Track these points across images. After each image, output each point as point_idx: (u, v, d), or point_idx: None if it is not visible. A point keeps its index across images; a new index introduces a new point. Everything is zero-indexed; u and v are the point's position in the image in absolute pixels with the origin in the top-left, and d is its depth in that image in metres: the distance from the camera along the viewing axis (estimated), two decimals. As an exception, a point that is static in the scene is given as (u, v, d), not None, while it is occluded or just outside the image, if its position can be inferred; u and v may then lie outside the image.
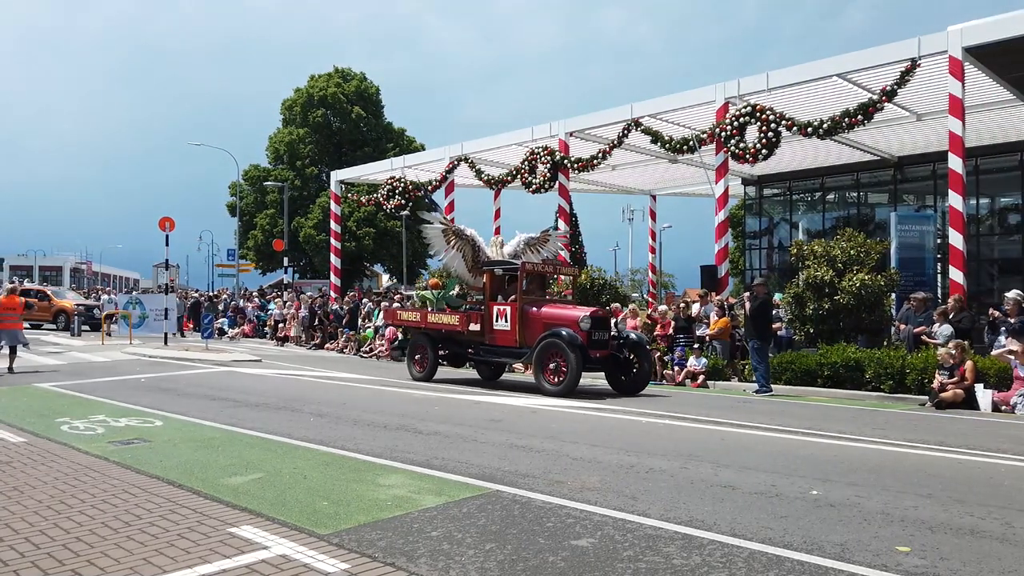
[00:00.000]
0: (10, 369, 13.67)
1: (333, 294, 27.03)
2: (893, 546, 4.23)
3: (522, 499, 5.20)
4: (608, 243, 61.32)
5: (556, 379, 11.76)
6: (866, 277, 13.56)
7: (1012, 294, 12.21)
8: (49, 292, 29.19)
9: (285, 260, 39.69)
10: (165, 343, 21.88)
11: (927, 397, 11.43)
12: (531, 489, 5.47)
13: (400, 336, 20.63)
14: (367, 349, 21.25)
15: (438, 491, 5.39)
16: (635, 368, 12.48)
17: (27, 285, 33.71)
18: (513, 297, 12.91)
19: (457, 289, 14.67)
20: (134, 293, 30.04)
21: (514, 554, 4.02)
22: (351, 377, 14.57)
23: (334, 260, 28.46)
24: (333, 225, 28.91)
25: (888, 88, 14.20)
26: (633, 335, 12.87)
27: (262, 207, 45.08)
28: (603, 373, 12.82)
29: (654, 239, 31.72)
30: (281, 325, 26.02)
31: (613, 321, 13.41)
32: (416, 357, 14.36)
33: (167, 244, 23.46)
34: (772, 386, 12.72)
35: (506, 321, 12.80)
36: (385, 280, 50.90)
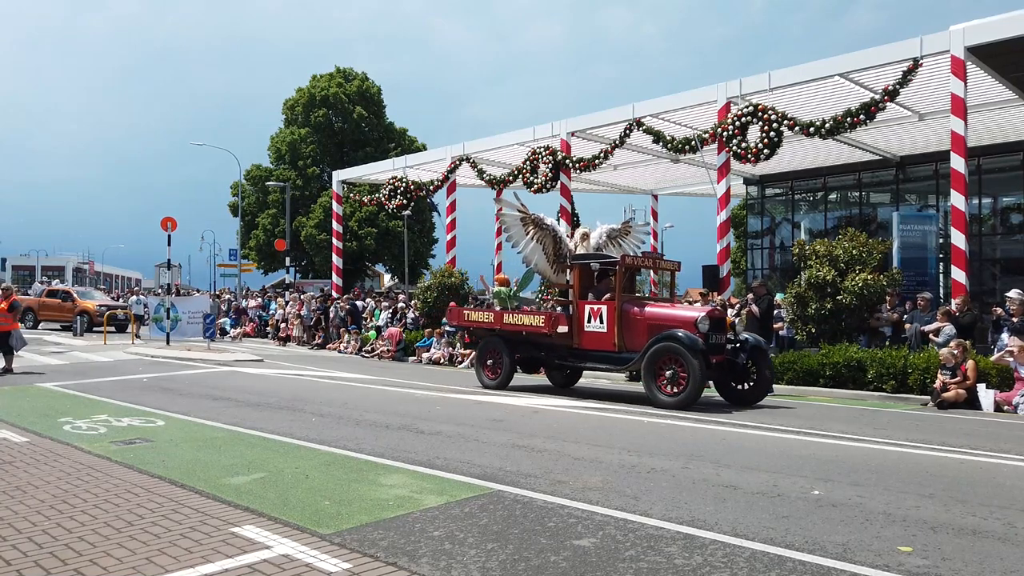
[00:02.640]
0: (9, 369, 13.65)
1: (335, 294, 27.03)
2: (895, 546, 4.23)
3: (524, 499, 5.20)
4: (610, 243, 61.10)
5: (673, 389, 10.40)
6: (868, 277, 13.55)
7: (1015, 293, 12.21)
8: (74, 293, 29.05)
9: (287, 260, 39.74)
10: (167, 343, 21.90)
11: (929, 397, 11.43)
12: (533, 489, 5.48)
13: (404, 337, 20.68)
14: (369, 349, 21.26)
15: (440, 491, 5.39)
16: (754, 375, 11.16)
17: (56, 285, 33.50)
18: (608, 295, 11.65)
19: (529, 289, 13.64)
20: (167, 296, 28.95)
21: (516, 554, 4.02)
22: (353, 377, 14.58)
23: (336, 260, 28.47)
24: (335, 225, 28.94)
25: (890, 88, 14.19)
26: (751, 338, 11.38)
27: (264, 207, 45.10)
28: (710, 381, 11.42)
29: (656, 239, 31.66)
30: (283, 325, 26.04)
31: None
32: (488, 362, 12.96)
33: (169, 244, 23.50)
34: (774, 386, 12.71)
35: (601, 322, 11.53)
36: (387, 280, 50.91)
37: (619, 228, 13.71)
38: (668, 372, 10.46)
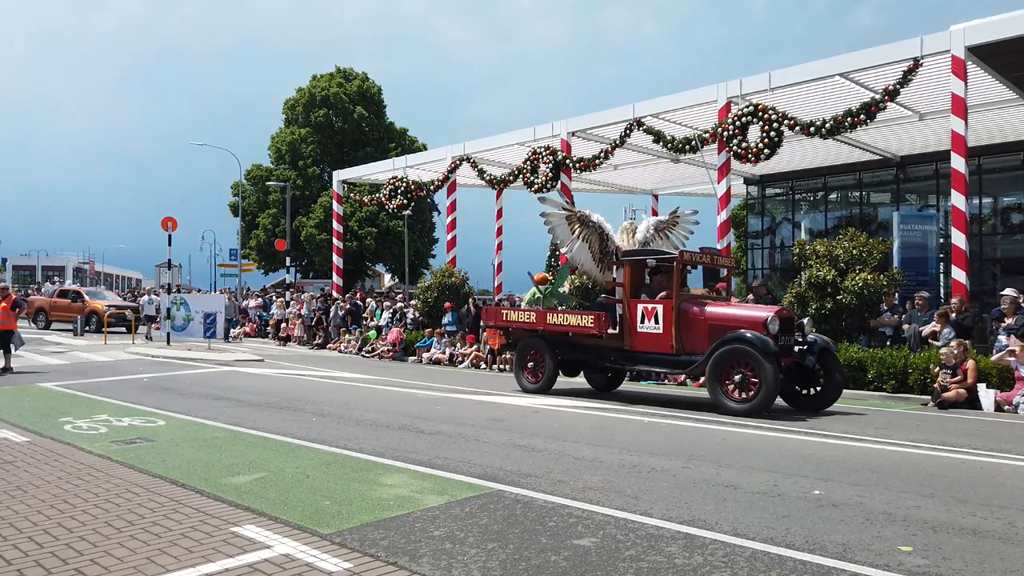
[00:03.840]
0: (9, 368, 13.65)
1: (335, 294, 27.04)
2: (895, 546, 4.23)
3: (524, 499, 5.20)
4: (610, 243, 61.13)
5: (742, 395, 9.75)
6: (868, 277, 13.55)
7: (1009, 292, 12.21)
8: (84, 293, 29.01)
9: (287, 260, 39.72)
10: (168, 343, 21.90)
11: (930, 397, 11.42)
12: (533, 489, 5.48)
13: (404, 337, 20.68)
14: (369, 349, 21.26)
15: (440, 491, 5.39)
16: (821, 380, 10.52)
17: (67, 286, 33.40)
18: (664, 294, 11.00)
19: (567, 286, 13.06)
20: (178, 294, 27.14)
21: (516, 553, 4.02)
22: (353, 377, 14.58)
23: (336, 260, 28.47)
24: (335, 225, 28.94)
25: (891, 88, 14.19)
26: (819, 339, 10.68)
27: (264, 207, 45.10)
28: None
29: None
30: (283, 325, 26.04)
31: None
32: (528, 365, 12.30)
33: (170, 244, 23.50)
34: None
35: (656, 322, 10.81)
36: (387, 280, 50.91)
37: (667, 220, 12.97)
38: (737, 376, 9.79)
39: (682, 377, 14.08)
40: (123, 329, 26.44)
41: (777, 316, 10.12)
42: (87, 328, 26.20)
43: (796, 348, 10.38)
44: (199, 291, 38.18)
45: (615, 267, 11.76)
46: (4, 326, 13.81)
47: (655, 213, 30.11)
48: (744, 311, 10.75)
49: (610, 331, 11.31)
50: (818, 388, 10.54)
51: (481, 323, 18.70)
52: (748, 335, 9.81)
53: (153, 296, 27.38)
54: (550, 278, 13.17)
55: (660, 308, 10.86)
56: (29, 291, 40.50)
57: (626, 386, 13.44)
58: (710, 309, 10.73)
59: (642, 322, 11.01)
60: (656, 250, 11.79)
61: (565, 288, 12.85)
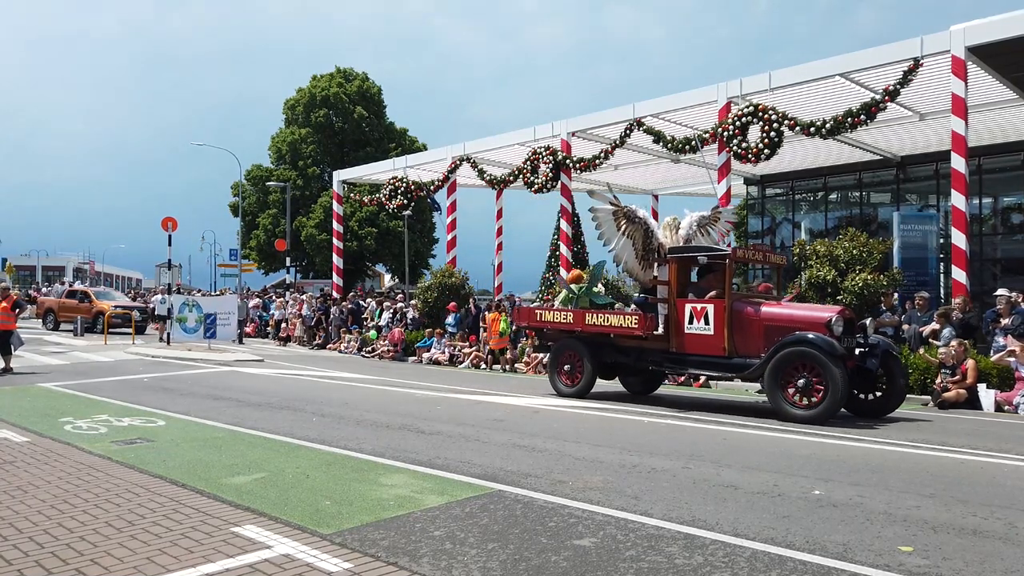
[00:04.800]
0: (9, 368, 13.65)
1: (335, 294, 27.04)
2: (896, 546, 4.23)
3: (524, 499, 5.20)
4: (610, 243, 61.16)
5: (805, 400, 9.22)
6: (868, 277, 13.54)
7: (1003, 292, 12.21)
8: (91, 294, 29.00)
9: (287, 260, 39.72)
10: (168, 343, 21.89)
11: (930, 397, 11.42)
12: (533, 489, 5.48)
13: (405, 337, 20.68)
14: (369, 349, 21.27)
15: (441, 491, 5.39)
16: (883, 384, 9.97)
17: (77, 287, 33.35)
18: (713, 293, 10.49)
19: (601, 286, 12.66)
20: (191, 295, 26.68)
21: (516, 554, 4.02)
22: (354, 377, 14.58)
23: (336, 260, 28.48)
24: (335, 225, 28.95)
25: (891, 88, 14.19)
26: (882, 341, 10.19)
27: (264, 207, 45.11)
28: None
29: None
30: (284, 325, 26.04)
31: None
32: (565, 368, 11.81)
33: (170, 244, 23.56)
34: None
35: (706, 323, 10.27)
36: (387, 280, 50.92)
37: (708, 215, 12.41)
38: (799, 381, 9.22)
39: (682, 378, 14.09)
40: (129, 330, 26.37)
41: (841, 317, 9.58)
42: (93, 328, 26.17)
43: (857, 350, 9.81)
44: (200, 292, 38.08)
45: (658, 264, 11.19)
46: (4, 326, 13.80)
47: (655, 214, 30.14)
48: (804, 311, 10.18)
49: (655, 332, 10.78)
50: (879, 393, 9.98)
51: (481, 324, 18.73)
52: (812, 337, 9.25)
53: (166, 296, 26.82)
54: (585, 276, 12.73)
55: (711, 308, 10.28)
56: (33, 291, 40.50)
57: (663, 390, 13.06)
58: (766, 309, 10.14)
59: (690, 323, 10.47)
60: (706, 246, 11.31)
61: (599, 288, 12.46)
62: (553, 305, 13.15)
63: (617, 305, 13.45)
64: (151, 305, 28.28)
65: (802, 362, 9.27)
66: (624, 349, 11.31)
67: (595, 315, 11.52)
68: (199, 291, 43.60)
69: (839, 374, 8.94)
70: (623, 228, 11.02)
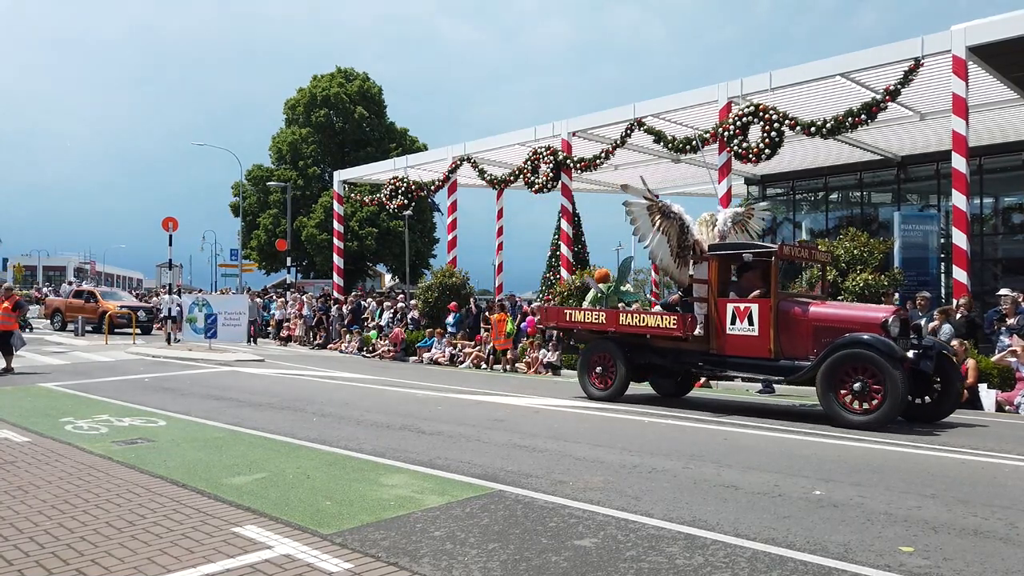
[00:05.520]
0: (10, 368, 13.66)
1: (336, 294, 27.05)
2: (896, 546, 4.23)
3: (525, 499, 5.20)
4: (611, 243, 61.24)
5: (862, 405, 8.76)
6: (869, 277, 13.54)
7: (1007, 292, 12.19)
8: (98, 294, 29.01)
9: (288, 260, 39.73)
10: (168, 343, 21.91)
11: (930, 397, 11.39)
12: (534, 489, 5.48)
13: (405, 337, 20.68)
14: (370, 349, 21.27)
15: (441, 491, 5.39)
16: (937, 388, 9.49)
17: (85, 287, 33.34)
18: (757, 292, 10.09)
19: (630, 285, 12.31)
20: (199, 294, 25.99)
21: (517, 554, 4.02)
22: (354, 377, 14.58)
23: (337, 260, 28.49)
24: (336, 225, 28.95)
25: (891, 88, 14.18)
26: (937, 343, 9.81)
27: (265, 207, 45.15)
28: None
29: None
30: (285, 325, 26.05)
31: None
32: (596, 370, 11.41)
33: (170, 244, 23.55)
34: (775, 386, 12.70)
35: (750, 324, 9.85)
36: (388, 280, 50.95)
37: (743, 212, 12.01)
38: (855, 385, 8.78)
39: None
40: (137, 330, 26.31)
41: (897, 317, 9.13)
42: (100, 328, 26.09)
43: (911, 352, 9.30)
44: (203, 291, 37.99)
45: (693, 262, 10.74)
46: (4, 326, 13.80)
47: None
48: (857, 311, 9.77)
49: (696, 333, 10.38)
50: (933, 397, 9.51)
51: (483, 324, 18.73)
52: (868, 338, 8.83)
53: (175, 296, 26.39)
54: (613, 276, 12.41)
55: (755, 308, 9.86)
56: (35, 291, 40.51)
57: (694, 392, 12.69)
58: (815, 309, 9.70)
59: (732, 323, 10.04)
60: (751, 243, 10.98)
61: (628, 286, 12.15)
62: (574, 305, 12.94)
63: (635, 304, 13.13)
64: (158, 305, 28.07)
65: (858, 364, 8.83)
66: (660, 350, 10.95)
67: (630, 315, 11.17)
68: (199, 290, 43.63)
69: (899, 377, 8.52)
70: (658, 223, 10.57)
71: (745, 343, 9.97)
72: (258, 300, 27.81)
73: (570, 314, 12.03)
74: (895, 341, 8.86)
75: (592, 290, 12.45)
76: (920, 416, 9.46)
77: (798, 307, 9.80)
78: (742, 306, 10.02)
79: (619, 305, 12.15)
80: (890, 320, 8.99)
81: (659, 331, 10.68)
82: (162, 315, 24.69)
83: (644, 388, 12.50)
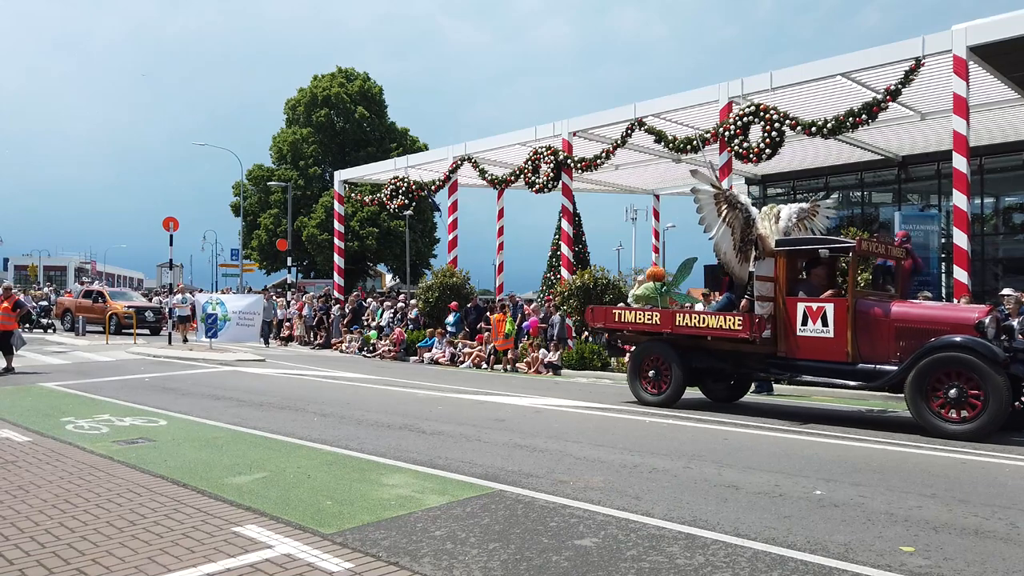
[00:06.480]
0: (11, 368, 13.66)
1: (336, 294, 27.05)
2: (897, 546, 4.23)
3: (525, 499, 5.20)
4: (612, 243, 61.40)
5: (959, 414, 8.11)
6: (870, 277, 13.51)
7: (1009, 292, 12.18)
8: (106, 294, 29.01)
9: (289, 260, 39.75)
10: (169, 343, 21.91)
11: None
12: (535, 489, 5.48)
13: (406, 337, 20.68)
14: (370, 349, 21.27)
15: (442, 491, 5.39)
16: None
17: (95, 287, 33.31)
18: (831, 292, 9.63)
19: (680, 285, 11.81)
20: (215, 294, 25.42)
21: (517, 553, 4.02)
22: (355, 377, 14.59)
23: (337, 260, 28.48)
24: (336, 225, 28.95)
25: (892, 87, 14.16)
26: None
27: (266, 207, 45.19)
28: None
29: (657, 239, 31.69)
30: (285, 325, 26.05)
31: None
32: (649, 374, 10.80)
33: (171, 244, 23.55)
34: (774, 386, 12.69)
35: (824, 324, 9.24)
36: (388, 280, 50.97)
37: (807, 208, 11.29)
38: (951, 391, 8.15)
39: None
40: (146, 330, 26.31)
41: (993, 318, 8.47)
42: (108, 329, 26.07)
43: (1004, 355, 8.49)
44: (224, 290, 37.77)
45: (754, 258, 10.16)
46: (4, 326, 13.80)
47: (656, 213, 30.15)
48: (947, 311, 9.15)
49: (764, 334, 9.76)
50: (1022, 402, 8.79)
51: (484, 324, 18.74)
52: (963, 340, 8.21)
53: (187, 295, 25.82)
54: (666, 275, 11.98)
55: (830, 307, 9.26)
56: (35, 290, 40.53)
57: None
58: (898, 308, 9.07)
59: (803, 324, 9.45)
60: (828, 238, 10.43)
61: (681, 289, 11.71)
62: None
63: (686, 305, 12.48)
64: (162, 305, 27.96)
65: (953, 369, 8.20)
66: (719, 353, 10.39)
67: (688, 315, 10.51)
68: (200, 290, 43.63)
69: (1002, 383, 7.88)
70: (723, 214, 9.96)
71: (818, 345, 9.35)
72: (275, 300, 27.56)
73: (619, 314, 11.35)
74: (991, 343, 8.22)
75: (642, 288, 11.98)
76: (1008, 423, 8.44)
77: (878, 307, 9.16)
78: (815, 306, 9.39)
79: (667, 304, 11.56)
80: (986, 321, 8.36)
81: (721, 332, 10.00)
82: (176, 315, 24.55)
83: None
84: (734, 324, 9.83)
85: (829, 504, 5.15)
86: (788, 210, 10.72)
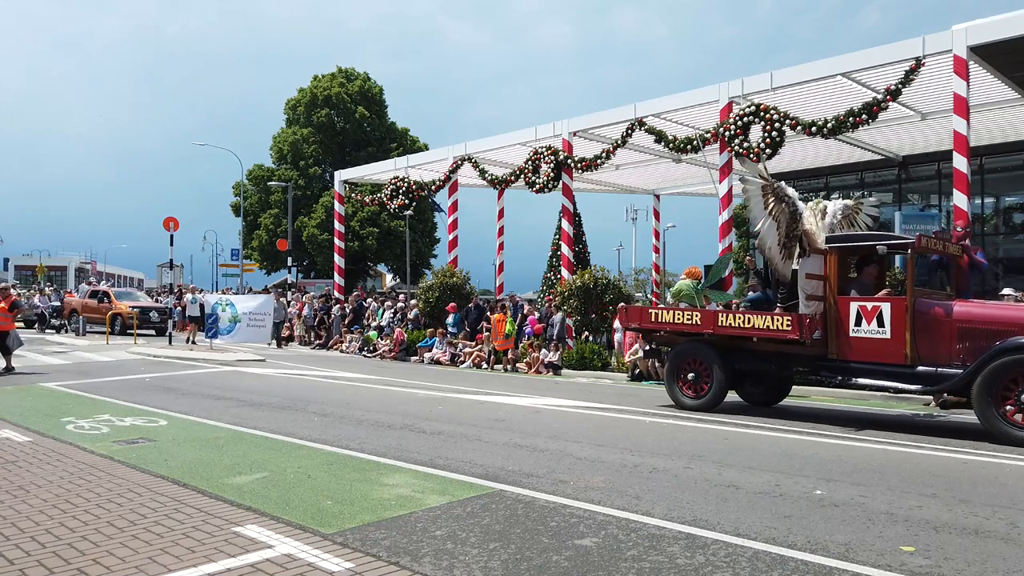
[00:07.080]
0: (11, 368, 13.66)
1: (337, 294, 27.05)
2: (897, 546, 4.23)
3: (526, 499, 5.20)
4: (612, 243, 61.43)
5: None
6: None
7: (1009, 292, 12.20)
8: (111, 294, 29.02)
9: (289, 260, 39.76)
10: (170, 343, 21.91)
11: (931, 397, 11.40)
12: (535, 488, 5.48)
13: (406, 337, 20.68)
14: (371, 349, 21.27)
15: (442, 491, 5.39)
16: None
17: (102, 287, 33.29)
18: (887, 291, 9.36)
19: (685, 283, 11.62)
20: (224, 295, 25.22)
21: (518, 553, 4.03)
22: (355, 377, 14.59)
23: (338, 260, 28.49)
24: (337, 225, 28.96)
25: (892, 87, 14.17)
26: None
27: (266, 207, 45.20)
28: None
29: (658, 239, 31.69)
30: (286, 325, 26.03)
31: None
32: (688, 377, 10.38)
33: (172, 244, 23.55)
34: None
35: (880, 325, 8.84)
36: (389, 280, 50.99)
37: (852, 205, 10.90)
38: (1021, 396, 7.74)
39: None
40: (151, 331, 26.31)
41: None
42: (113, 330, 26.07)
43: None
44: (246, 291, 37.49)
45: (798, 255, 9.77)
46: (1, 327, 13.77)
47: (656, 213, 30.14)
48: (1015, 311, 8.69)
49: (815, 336, 9.38)
50: None
51: (484, 324, 18.73)
52: (1021, 341, 7.86)
53: (198, 295, 25.67)
54: (699, 273, 11.78)
55: (886, 307, 8.86)
56: (35, 290, 40.53)
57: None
58: (961, 308, 8.69)
59: (857, 324, 9.05)
60: (885, 234, 10.04)
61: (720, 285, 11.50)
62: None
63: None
64: (168, 305, 27.86)
65: (1021, 374, 7.81)
66: (764, 355, 9.97)
67: (731, 315, 10.06)
68: (201, 290, 43.60)
69: None
70: (770, 207, 9.59)
71: (873, 347, 8.93)
72: (283, 300, 27.46)
73: (656, 314, 10.93)
74: None
75: (679, 283, 11.71)
76: None
77: (939, 306, 8.77)
78: (869, 305, 8.99)
79: (703, 304, 11.35)
80: None
81: (768, 333, 9.55)
82: (187, 315, 24.43)
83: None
84: (783, 324, 9.39)
85: (829, 504, 5.15)
86: (834, 206, 10.36)
